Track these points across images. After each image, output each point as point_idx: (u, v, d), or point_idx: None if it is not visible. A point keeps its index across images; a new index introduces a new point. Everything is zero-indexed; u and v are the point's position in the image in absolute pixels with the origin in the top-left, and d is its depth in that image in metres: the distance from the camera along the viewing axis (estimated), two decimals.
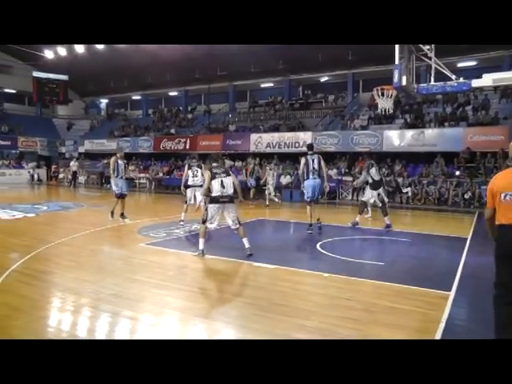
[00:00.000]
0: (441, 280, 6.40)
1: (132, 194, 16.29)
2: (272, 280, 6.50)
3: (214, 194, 7.64)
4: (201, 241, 7.79)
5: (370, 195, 11.36)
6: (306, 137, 21.41)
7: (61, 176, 30.56)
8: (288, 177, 20.36)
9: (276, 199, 17.35)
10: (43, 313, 5.28)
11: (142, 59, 26.62)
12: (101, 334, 4.68)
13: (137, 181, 25.90)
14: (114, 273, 6.89)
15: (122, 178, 11.98)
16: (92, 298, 5.65)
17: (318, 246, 8.70)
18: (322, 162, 10.50)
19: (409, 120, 20.54)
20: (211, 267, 7.30)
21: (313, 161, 10.32)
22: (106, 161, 25.66)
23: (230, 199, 7.77)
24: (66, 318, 5.17)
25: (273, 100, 27.85)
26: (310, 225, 10.33)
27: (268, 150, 22.46)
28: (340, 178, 20.07)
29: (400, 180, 18.44)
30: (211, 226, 7.94)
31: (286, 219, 13.12)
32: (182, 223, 11.09)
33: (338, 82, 26.49)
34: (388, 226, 10.89)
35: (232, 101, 30.00)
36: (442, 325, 4.60)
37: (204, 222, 7.77)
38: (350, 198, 19.38)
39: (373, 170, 11.22)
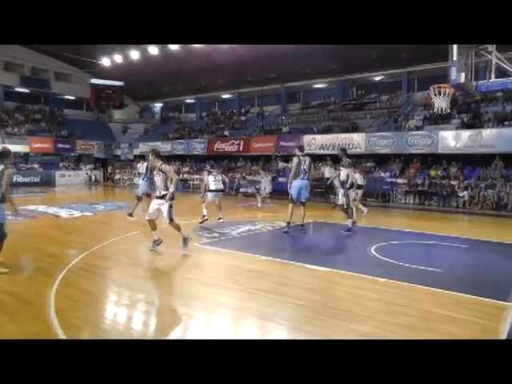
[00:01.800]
0: (499, 289, 6.01)
1: (186, 195, 16.60)
2: (326, 283, 6.39)
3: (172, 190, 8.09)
4: (183, 232, 8.31)
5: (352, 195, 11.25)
6: (359, 138, 21.01)
7: (117, 177, 31.53)
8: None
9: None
10: (101, 306, 5.47)
11: (195, 63, 27.05)
12: (154, 329, 4.77)
13: (191, 182, 26.32)
14: (168, 271, 7.02)
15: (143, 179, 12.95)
16: (147, 294, 5.77)
17: (371, 249, 8.49)
18: (312, 165, 10.68)
19: (466, 120, 19.58)
20: (264, 268, 7.24)
21: (304, 162, 10.32)
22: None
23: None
24: (122, 312, 5.33)
25: (325, 101, 27.53)
26: (288, 223, 10.30)
27: (321, 152, 22.09)
28: (393, 180, 19.57)
29: (455, 183, 17.72)
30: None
31: (340, 222, 12.91)
32: (205, 217, 11.37)
33: (391, 81, 25.79)
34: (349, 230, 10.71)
35: (284, 102, 29.90)
36: (503, 337, 4.34)
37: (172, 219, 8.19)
38: (403, 201, 18.85)
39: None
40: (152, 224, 8.22)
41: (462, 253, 8.83)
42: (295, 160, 10.41)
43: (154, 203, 8.18)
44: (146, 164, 13.21)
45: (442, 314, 5.03)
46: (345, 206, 10.73)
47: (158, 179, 8.09)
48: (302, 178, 10.23)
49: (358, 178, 13.72)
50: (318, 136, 22.81)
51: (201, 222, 11.31)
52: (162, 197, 7.98)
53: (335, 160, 21.76)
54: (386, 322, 4.75)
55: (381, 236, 10.33)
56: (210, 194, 11.52)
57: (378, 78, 26.17)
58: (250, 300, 5.60)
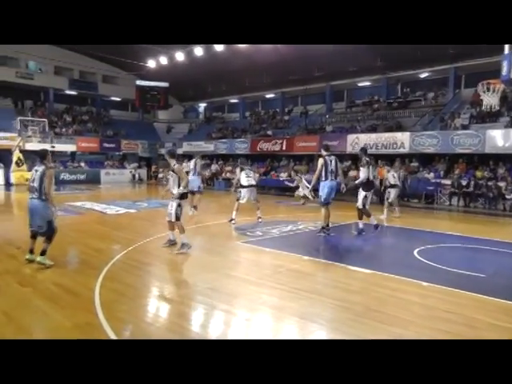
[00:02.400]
0: None
1: (229, 194, 16.64)
2: (368, 285, 6.26)
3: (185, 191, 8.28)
4: (184, 236, 8.14)
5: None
6: (403, 137, 20.41)
7: (160, 176, 32.08)
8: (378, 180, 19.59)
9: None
10: (145, 300, 5.59)
11: (239, 63, 27.15)
12: (196, 325, 4.81)
13: (233, 181, 26.39)
14: (211, 268, 7.03)
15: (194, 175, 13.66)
16: (190, 290, 5.85)
17: (415, 252, 8.26)
18: (339, 164, 10.15)
19: None
20: (307, 268, 7.19)
21: (330, 162, 9.87)
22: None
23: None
24: (165, 307, 5.43)
25: (370, 99, 27.05)
26: (327, 225, 10.03)
27: None
28: (438, 181, 18.99)
29: (503, 185, 16.94)
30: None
31: (382, 223, 12.69)
32: (233, 221, 11.34)
33: (438, 78, 24.85)
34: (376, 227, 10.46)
35: (329, 101, 29.42)
36: None
37: (179, 219, 8.15)
38: (448, 203, 18.26)
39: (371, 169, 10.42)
40: (171, 225, 8.33)
41: (508, 258, 8.46)
42: (321, 161, 9.92)
43: (169, 204, 8.22)
44: (193, 161, 14.26)
45: (487, 322, 4.82)
46: (360, 207, 10.29)
47: (171, 179, 8.26)
48: (332, 179, 9.84)
49: (390, 177, 13.43)
50: (362, 135, 22.36)
51: (229, 221, 11.41)
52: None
53: (377, 160, 21.46)
54: (429, 328, 4.61)
55: (424, 238, 10.03)
56: (243, 191, 11.63)
57: (423, 75, 25.30)
58: (292, 299, 5.55)
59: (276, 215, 13.34)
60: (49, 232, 6.73)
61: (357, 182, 10.36)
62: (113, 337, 4.19)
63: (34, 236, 6.86)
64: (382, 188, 15.27)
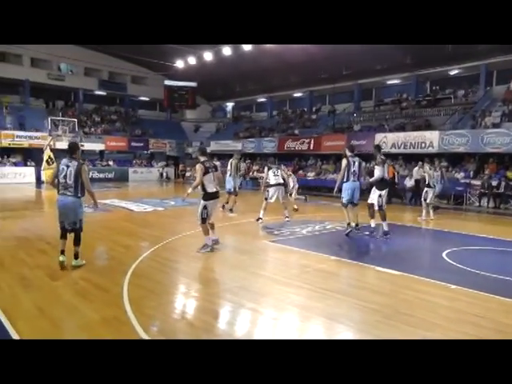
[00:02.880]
0: None
1: (257, 193, 16.70)
2: (396, 287, 6.14)
3: (210, 190, 7.83)
4: (207, 238, 8.01)
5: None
6: (432, 136, 19.98)
7: (187, 174, 32.37)
8: (413, 179, 19.21)
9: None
10: (173, 297, 5.64)
11: (267, 63, 27.16)
12: (223, 322, 4.83)
13: (260, 180, 26.42)
14: (238, 267, 7.04)
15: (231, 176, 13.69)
16: (218, 289, 5.88)
17: (444, 254, 8.08)
18: (362, 165, 10.09)
19: None
20: (334, 268, 7.13)
21: (354, 163, 9.78)
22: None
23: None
24: (192, 305, 5.47)
25: (399, 98, 26.62)
26: (356, 225, 10.00)
27: (393, 151, 21.18)
28: (468, 181, 18.56)
29: None
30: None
31: (410, 224, 12.50)
32: (261, 221, 11.32)
33: (468, 75, 24.16)
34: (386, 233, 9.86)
35: (357, 100, 29.11)
36: None
37: (204, 221, 7.87)
38: (477, 204, 17.80)
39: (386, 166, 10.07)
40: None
41: None
42: (344, 162, 9.86)
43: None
44: (230, 161, 14.25)
45: None
46: (376, 207, 10.01)
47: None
48: (354, 180, 9.77)
49: (428, 176, 13.06)
50: (390, 134, 22.03)
51: (257, 220, 11.43)
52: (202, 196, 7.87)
53: (406, 159, 21.15)
54: (457, 332, 4.50)
55: (454, 240, 9.83)
56: (270, 189, 11.68)
57: (453, 72, 24.68)
58: (318, 300, 5.51)
59: (303, 214, 13.28)
60: (80, 230, 6.57)
61: (371, 180, 10.14)
62: (141, 332, 4.24)
63: (64, 235, 6.58)
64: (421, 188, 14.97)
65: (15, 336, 4.15)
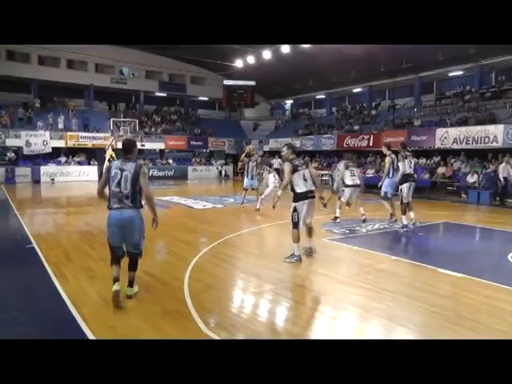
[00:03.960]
0: None
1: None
2: (459, 290, 5.88)
3: (300, 190, 6.90)
4: (295, 246, 7.01)
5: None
6: (496, 131, 18.79)
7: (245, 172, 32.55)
8: (475, 176, 18.37)
9: None
10: (232, 293, 5.75)
11: (327, 59, 26.79)
12: (281, 319, 4.84)
13: (320, 178, 26.21)
14: (297, 264, 7.00)
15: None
16: (276, 285, 5.87)
17: (509, 257, 7.63)
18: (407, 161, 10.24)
19: None
20: (395, 269, 6.95)
21: (394, 159, 10.36)
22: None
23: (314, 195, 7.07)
24: (250, 300, 5.52)
25: (461, 90, 25.41)
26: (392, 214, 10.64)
27: (455, 146, 20.34)
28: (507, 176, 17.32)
29: None
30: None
31: (473, 223, 11.97)
32: (338, 221, 10.93)
33: None
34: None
35: (418, 94, 28.05)
36: None
37: (296, 225, 6.96)
38: None
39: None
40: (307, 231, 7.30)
41: None
42: (389, 159, 10.39)
43: None
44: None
45: None
46: (404, 201, 9.99)
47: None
48: (394, 176, 10.37)
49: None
50: (452, 129, 21.05)
51: (333, 219, 11.00)
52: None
53: (469, 155, 20.19)
54: None
55: None
56: (346, 190, 10.96)
57: None
58: (379, 300, 5.39)
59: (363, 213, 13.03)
60: (141, 254, 5.27)
61: (396, 178, 10.30)
62: (201, 325, 4.35)
63: (118, 260, 5.14)
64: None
65: (81, 321, 4.42)
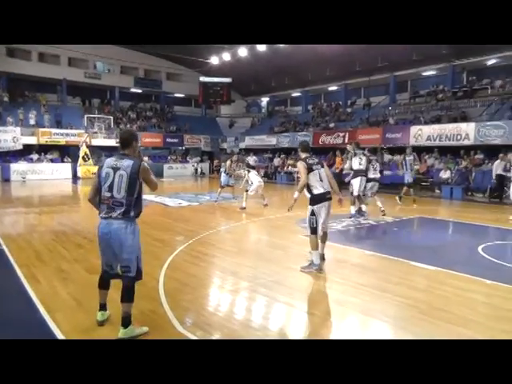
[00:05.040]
0: None
1: (290, 188, 16.53)
2: (432, 282, 6.03)
3: (317, 192, 6.35)
4: (315, 254, 6.41)
5: None
6: (468, 128, 19.35)
7: (222, 170, 32.44)
8: (448, 172, 18.79)
9: None
10: (208, 291, 5.72)
11: (302, 57, 26.94)
12: (257, 316, 4.83)
13: (295, 175, 26.30)
14: (273, 261, 7.05)
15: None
16: (252, 283, 5.88)
17: (479, 249, 7.86)
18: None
19: None
20: (369, 263, 7.04)
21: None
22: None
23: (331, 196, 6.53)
24: (227, 299, 5.50)
25: (435, 89, 25.97)
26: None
27: (428, 143, 20.85)
28: (504, 174, 17.83)
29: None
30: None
31: (445, 218, 12.20)
32: (366, 214, 11.18)
33: (507, 65, 23.11)
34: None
35: (392, 92, 28.62)
36: None
37: (314, 231, 6.37)
38: None
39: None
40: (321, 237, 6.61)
41: None
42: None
43: None
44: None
45: None
46: (353, 193, 11.09)
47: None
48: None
49: None
50: (425, 127, 21.55)
51: (358, 213, 11.09)
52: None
53: (442, 152, 20.64)
54: (495, 330, 4.38)
55: (490, 234, 9.64)
56: (369, 184, 11.18)
57: (491, 62, 23.82)
58: (354, 294, 5.46)
59: (338, 209, 13.12)
60: (137, 276, 4.13)
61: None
62: (177, 325, 4.31)
63: (105, 284, 4.33)
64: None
65: (53, 325, 4.30)
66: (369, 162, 11.06)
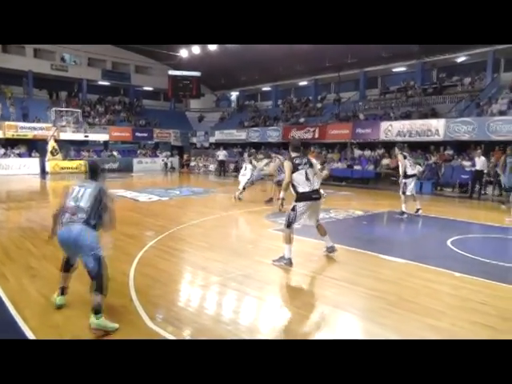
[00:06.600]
0: None
1: (260, 182, 16.51)
2: (401, 275, 6.16)
3: (302, 190, 6.47)
4: (287, 247, 6.51)
5: None
6: (438, 124, 19.83)
7: (192, 164, 32.38)
8: (418, 167, 19.08)
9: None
10: (178, 286, 5.70)
11: (273, 52, 26.86)
12: (228, 311, 4.83)
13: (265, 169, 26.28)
14: (243, 255, 7.07)
15: None
16: (222, 277, 5.87)
17: (448, 242, 8.07)
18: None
19: None
20: (340, 257, 7.06)
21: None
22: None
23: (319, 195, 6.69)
24: (198, 293, 5.48)
25: (405, 85, 26.37)
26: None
27: (398, 139, 20.92)
28: (473, 169, 18.34)
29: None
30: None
31: (413, 211, 12.46)
32: (405, 215, 10.98)
33: (475, 62, 23.83)
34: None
35: (362, 88, 28.93)
36: None
37: (289, 225, 6.55)
38: (482, 192, 17.51)
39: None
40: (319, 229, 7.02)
41: None
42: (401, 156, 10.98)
43: None
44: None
45: None
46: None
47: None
48: None
49: None
50: (395, 123, 21.92)
51: (401, 214, 10.99)
52: None
53: (412, 147, 21.02)
54: (462, 320, 4.51)
55: (458, 228, 9.85)
56: (409, 181, 11.00)
57: (460, 59, 24.34)
58: (324, 287, 5.55)
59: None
60: (99, 270, 4.28)
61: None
62: (147, 321, 4.28)
63: (67, 268, 4.70)
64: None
65: (22, 322, 4.22)
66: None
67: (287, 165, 6.50)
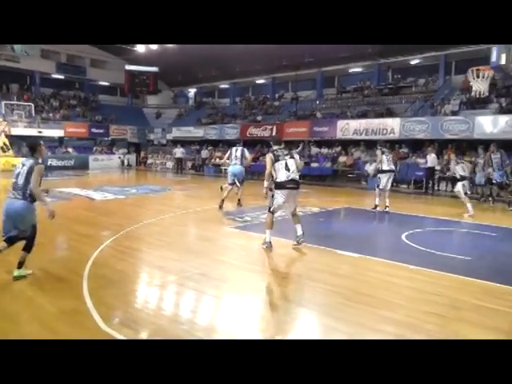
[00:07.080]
0: None
1: (217, 180, 16.50)
2: (357, 269, 6.29)
3: (279, 180, 7.08)
4: (267, 232, 7.24)
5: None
6: (393, 123, 20.54)
7: (149, 161, 31.91)
8: (374, 164, 19.58)
9: None
10: (134, 286, 5.56)
11: (230, 49, 26.74)
12: (185, 310, 4.79)
13: (222, 167, 26.19)
14: (200, 253, 7.01)
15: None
16: (179, 276, 5.80)
17: (403, 236, 8.32)
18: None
19: (504, 104, 18.64)
20: (295, 253, 7.17)
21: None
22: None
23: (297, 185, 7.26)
24: (154, 293, 5.38)
25: (361, 85, 27.00)
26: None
27: (355, 137, 21.84)
28: (427, 166, 18.97)
29: (490, 170, 16.87)
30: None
31: (369, 207, 12.74)
32: (378, 209, 11.45)
33: (429, 65, 24.97)
34: None
35: (319, 87, 29.41)
36: None
37: (269, 210, 7.28)
38: (436, 187, 18.27)
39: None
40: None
41: (493, 241, 8.53)
42: (379, 152, 11.40)
43: None
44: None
45: (472, 304, 4.92)
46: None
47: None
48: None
49: (459, 169, 11.56)
50: (352, 121, 22.46)
51: (373, 208, 11.50)
52: None
53: (368, 145, 21.55)
54: (417, 311, 4.65)
55: (413, 223, 10.16)
56: (382, 176, 11.40)
57: (414, 62, 25.36)
58: (280, 284, 5.59)
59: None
60: (32, 235, 5.44)
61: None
62: (101, 323, 4.14)
63: (11, 243, 5.39)
64: None
65: None
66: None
67: (268, 156, 7.21)
